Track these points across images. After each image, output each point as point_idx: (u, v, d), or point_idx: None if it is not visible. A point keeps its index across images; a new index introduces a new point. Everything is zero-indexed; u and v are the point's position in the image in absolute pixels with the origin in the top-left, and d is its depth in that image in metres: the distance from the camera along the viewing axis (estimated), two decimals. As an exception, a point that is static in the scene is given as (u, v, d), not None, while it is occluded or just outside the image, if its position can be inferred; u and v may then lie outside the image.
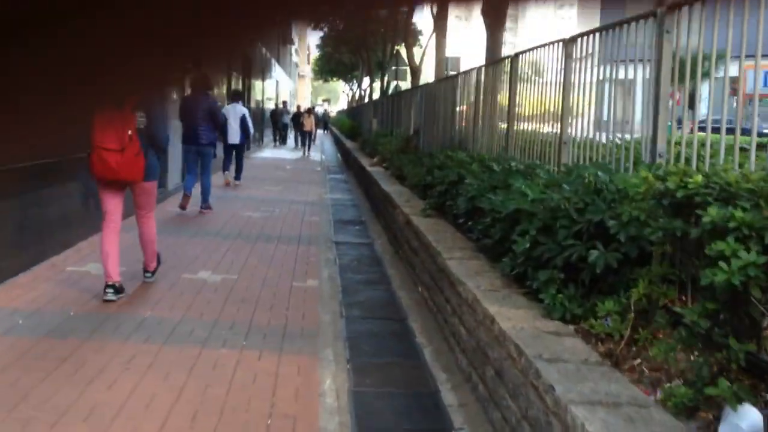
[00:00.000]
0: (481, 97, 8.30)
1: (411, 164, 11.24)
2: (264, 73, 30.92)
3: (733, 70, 3.84)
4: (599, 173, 3.86)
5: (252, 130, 14.48)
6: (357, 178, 18.28)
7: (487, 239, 5.25)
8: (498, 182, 5.53)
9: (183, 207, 10.39)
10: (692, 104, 4.65)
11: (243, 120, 13.41)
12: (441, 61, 16.38)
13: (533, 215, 4.31)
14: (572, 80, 5.51)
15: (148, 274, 6.23)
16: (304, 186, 15.60)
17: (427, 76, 24.01)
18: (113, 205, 5.67)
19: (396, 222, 8.77)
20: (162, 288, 6.06)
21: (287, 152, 27.68)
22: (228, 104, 13.64)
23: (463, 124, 9.47)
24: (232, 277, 6.66)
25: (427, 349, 5.10)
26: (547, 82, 6.10)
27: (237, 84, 20.76)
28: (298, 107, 30.35)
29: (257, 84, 28.80)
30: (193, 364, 4.40)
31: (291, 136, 32.35)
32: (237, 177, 14.56)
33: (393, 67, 27.60)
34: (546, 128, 6.29)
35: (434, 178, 7.70)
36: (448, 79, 10.73)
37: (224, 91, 17.14)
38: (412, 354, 5.00)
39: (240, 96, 14.56)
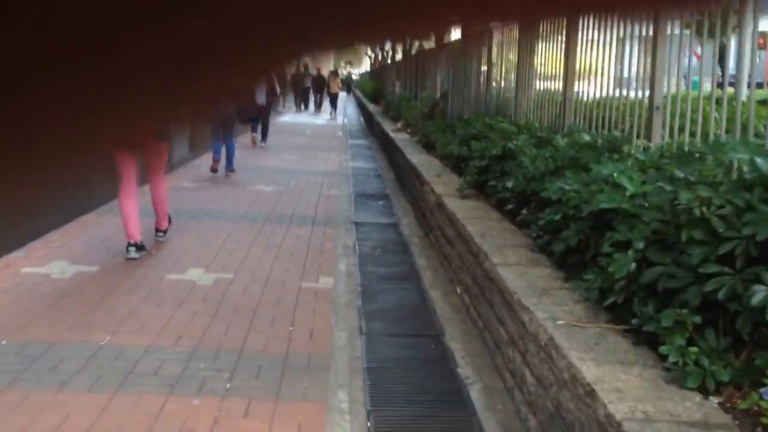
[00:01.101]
0: (526, 53, 6.80)
1: (440, 132, 9.78)
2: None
3: None
4: (757, 159, 2.42)
5: (278, 91, 14.60)
6: (380, 143, 16.83)
7: (553, 239, 3.83)
8: (565, 162, 4.09)
9: (214, 170, 10.26)
10: None
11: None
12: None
13: (635, 218, 2.89)
14: (668, 27, 4.02)
15: (160, 234, 6.24)
16: (323, 153, 14.20)
17: (455, 33, 22.30)
18: (127, 166, 5.66)
19: (425, 199, 7.37)
20: (136, 296, 4.72)
21: (308, 117, 26.21)
22: None
23: (502, 85, 7.95)
24: (227, 277, 5.31)
25: (474, 387, 3.72)
26: (624, 31, 4.61)
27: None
28: (318, 70, 28.68)
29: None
30: (151, 426, 3.06)
31: (312, 100, 30.83)
32: (263, 138, 14.48)
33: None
34: (619, 89, 4.81)
35: (471, 151, 6.25)
36: (480, 35, 9.21)
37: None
38: (456, 397, 3.62)
39: None
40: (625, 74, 4.68)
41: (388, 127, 15.53)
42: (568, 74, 5.60)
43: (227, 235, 6.63)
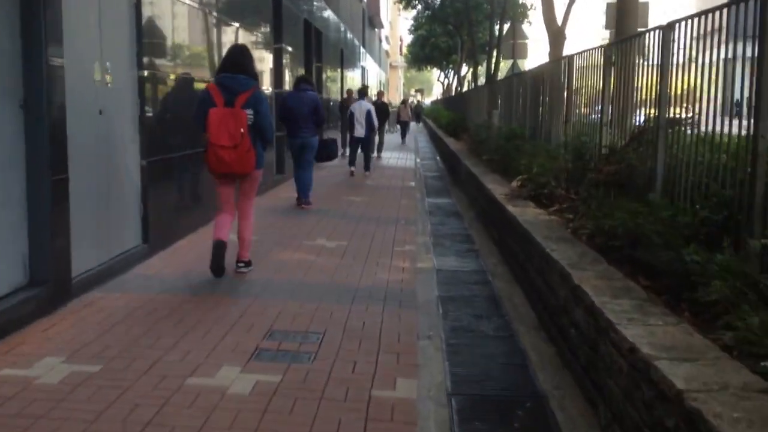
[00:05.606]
0: None
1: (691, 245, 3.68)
2: (343, 57, 23.65)
3: None
4: None
5: (377, 125, 14.53)
6: (477, 208, 10.70)
7: None
8: None
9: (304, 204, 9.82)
10: None
11: (368, 115, 13.80)
12: (629, 3, 8.57)
13: None
14: None
15: (241, 264, 5.97)
16: (387, 230, 8.21)
17: (571, 44, 16.21)
18: (226, 195, 5.84)
19: None
20: None
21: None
22: (355, 101, 14.61)
23: None
24: None
25: None
26: None
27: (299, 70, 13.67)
28: (380, 94, 22.55)
29: (333, 72, 21.60)
30: None
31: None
32: (366, 168, 14.65)
33: (510, 41, 19.86)
34: None
35: None
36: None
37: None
38: None
39: (364, 92, 15.32)
40: None
41: (491, 183, 9.44)
42: None
43: None
